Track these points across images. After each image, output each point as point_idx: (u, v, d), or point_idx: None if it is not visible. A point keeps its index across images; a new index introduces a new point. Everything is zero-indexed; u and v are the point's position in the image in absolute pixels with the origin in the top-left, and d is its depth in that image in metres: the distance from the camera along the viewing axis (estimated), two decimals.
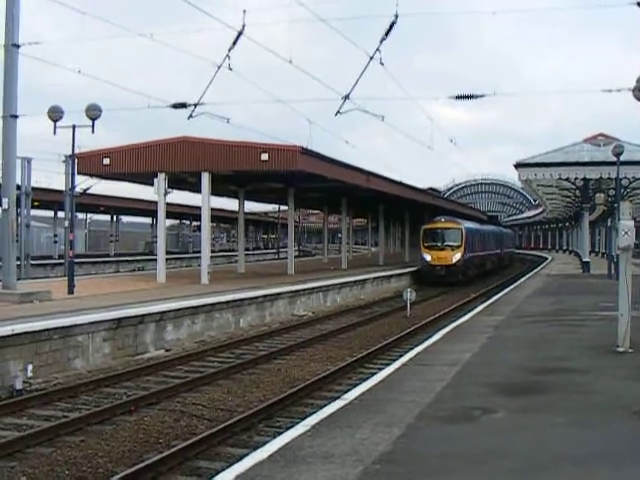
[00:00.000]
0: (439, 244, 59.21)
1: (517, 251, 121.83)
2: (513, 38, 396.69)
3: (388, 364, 19.14)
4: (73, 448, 14.08)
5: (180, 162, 37.97)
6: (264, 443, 11.53)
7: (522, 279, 55.10)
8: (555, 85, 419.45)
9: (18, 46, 27.34)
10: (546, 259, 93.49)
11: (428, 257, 58.88)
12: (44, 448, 14.15)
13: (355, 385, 16.52)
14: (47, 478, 12.39)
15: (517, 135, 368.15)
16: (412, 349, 20.76)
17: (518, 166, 55.44)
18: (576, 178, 56.80)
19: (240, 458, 10.69)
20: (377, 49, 27.19)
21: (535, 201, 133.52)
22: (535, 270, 68.74)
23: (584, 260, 59.85)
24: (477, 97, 29.37)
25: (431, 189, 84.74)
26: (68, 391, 18.88)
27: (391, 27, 26.02)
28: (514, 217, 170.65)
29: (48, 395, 18.39)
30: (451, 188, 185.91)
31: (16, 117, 27.60)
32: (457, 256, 58.68)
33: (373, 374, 17.62)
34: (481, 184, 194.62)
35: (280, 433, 12.28)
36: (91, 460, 13.33)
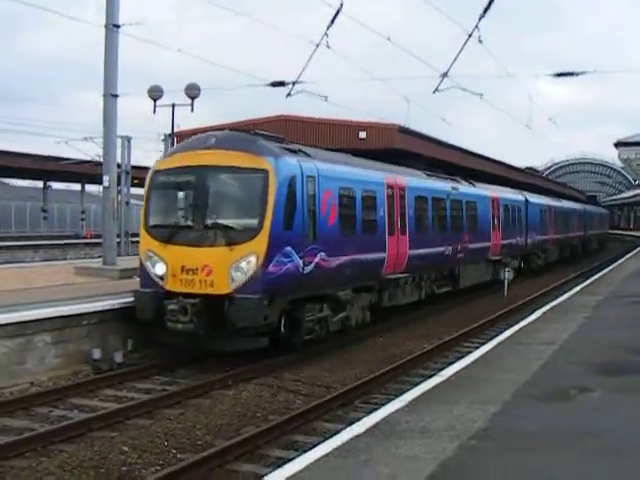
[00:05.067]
0: (191, 223, 19.87)
1: (613, 232, 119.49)
2: (622, 14, 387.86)
3: (485, 343, 19.10)
4: (172, 420, 14.35)
5: None
6: (360, 419, 11.61)
7: (620, 260, 54.12)
8: None
9: (118, 26, 27.70)
10: None
11: (159, 268, 19.41)
12: (144, 420, 14.44)
13: (452, 363, 16.50)
14: (147, 449, 12.63)
15: (624, 114, 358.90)
16: (509, 328, 20.68)
17: (618, 145, 54.48)
18: None
19: (336, 433, 10.80)
20: (476, 26, 26.88)
21: (635, 181, 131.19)
22: (634, 252, 67.29)
23: None
24: (578, 74, 28.96)
25: (529, 168, 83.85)
26: (168, 365, 19.17)
27: (490, 4, 25.75)
28: (613, 197, 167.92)
29: (147, 369, 18.71)
30: (550, 167, 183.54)
31: (116, 96, 28.00)
32: (246, 266, 18.60)
33: (470, 352, 17.63)
34: (580, 163, 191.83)
35: (376, 409, 12.33)
36: (189, 432, 13.58)
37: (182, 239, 19.34)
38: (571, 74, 28.68)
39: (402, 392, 13.96)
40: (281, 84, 28.66)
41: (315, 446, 10.06)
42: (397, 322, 26.63)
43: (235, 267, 18.57)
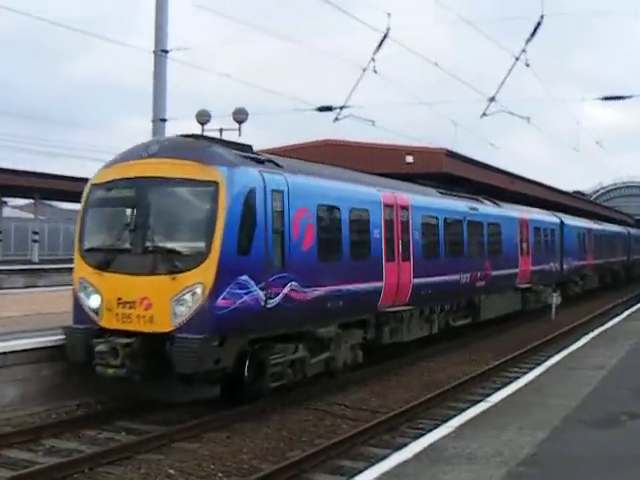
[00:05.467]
0: (129, 246, 16.43)
1: None
2: None
3: (533, 368, 18.97)
4: (218, 444, 14.33)
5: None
6: (406, 444, 11.55)
7: None
8: None
9: (167, 51, 27.90)
10: None
11: (93, 300, 16.25)
12: (190, 443, 14.43)
13: (500, 388, 16.40)
14: (193, 472, 12.63)
15: None
16: (558, 353, 20.55)
17: None
18: None
19: (383, 458, 10.75)
20: (523, 50, 26.85)
21: None
22: None
23: None
24: (625, 98, 28.76)
25: (577, 192, 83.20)
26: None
27: (537, 28, 25.69)
28: None
29: None
30: (598, 191, 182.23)
31: (165, 120, 28.17)
32: (190, 298, 15.33)
33: (518, 377, 17.52)
34: (628, 187, 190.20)
35: (423, 434, 12.26)
36: (236, 456, 13.56)
37: (119, 266, 16.09)
38: (618, 98, 28.49)
39: (449, 418, 13.90)
40: (328, 109, 28.68)
41: (362, 471, 10.03)
42: (443, 347, 26.46)
43: (177, 300, 15.26)
